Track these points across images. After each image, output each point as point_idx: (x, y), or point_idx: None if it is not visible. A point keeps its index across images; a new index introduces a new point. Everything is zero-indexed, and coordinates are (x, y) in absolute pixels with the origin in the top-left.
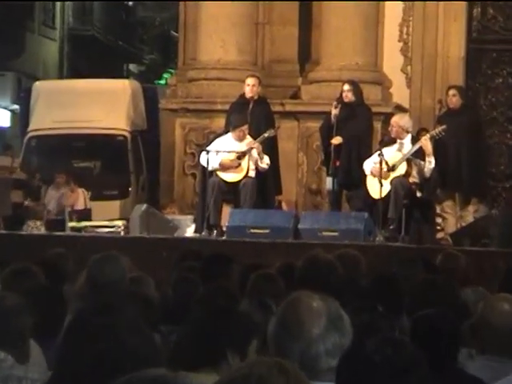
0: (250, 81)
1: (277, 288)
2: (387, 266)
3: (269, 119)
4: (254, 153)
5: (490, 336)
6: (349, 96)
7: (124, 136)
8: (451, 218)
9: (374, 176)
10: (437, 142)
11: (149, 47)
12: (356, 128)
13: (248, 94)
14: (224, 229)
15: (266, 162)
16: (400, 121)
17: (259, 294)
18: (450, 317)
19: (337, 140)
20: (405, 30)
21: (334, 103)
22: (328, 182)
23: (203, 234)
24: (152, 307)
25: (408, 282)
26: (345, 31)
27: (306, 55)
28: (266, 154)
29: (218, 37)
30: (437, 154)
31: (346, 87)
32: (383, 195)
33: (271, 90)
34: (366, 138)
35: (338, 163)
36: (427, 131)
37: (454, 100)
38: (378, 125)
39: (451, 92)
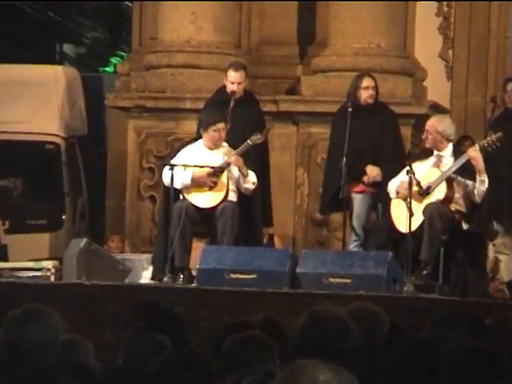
0: (234, 76)
1: (264, 356)
2: (419, 326)
3: (257, 123)
4: (234, 170)
5: None
6: (372, 93)
7: (56, 144)
8: (508, 261)
9: (402, 201)
10: (488, 156)
11: (91, 21)
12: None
13: (230, 90)
14: (194, 273)
15: (251, 181)
16: (439, 125)
17: (240, 365)
18: None
19: (373, 171)
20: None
21: (348, 103)
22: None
23: (165, 279)
24: (91, 380)
25: (446, 351)
26: (361, 2)
27: (309, 34)
28: (252, 169)
29: (186, 9)
30: (488, 171)
31: (369, 82)
32: (414, 228)
33: (260, 82)
34: (395, 154)
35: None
36: (473, 141)
37: None
38: (407, 131)
39: (510, 86)
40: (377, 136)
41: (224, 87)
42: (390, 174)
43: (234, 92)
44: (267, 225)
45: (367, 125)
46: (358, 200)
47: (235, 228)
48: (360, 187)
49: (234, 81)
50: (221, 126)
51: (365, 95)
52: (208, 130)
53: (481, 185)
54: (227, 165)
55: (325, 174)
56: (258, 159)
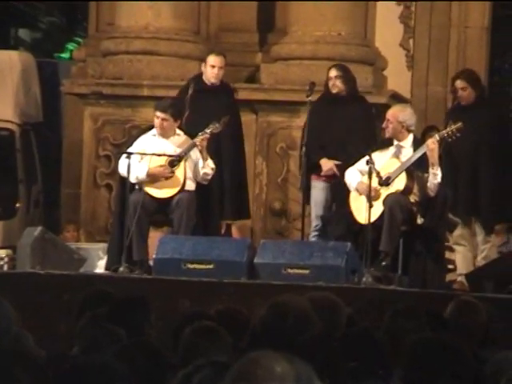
0: (216, 61)
1: (221, 346)
2: (377, 317)
3: (232, 111)
4: (194, 154)
5: None
6: (338, 84)
7: (9, 130)
8: (467, 252)
9: (361, 193)
10: (449, 148)
11: (47, 6)
12: (354, 135)
13: (210, 79)
14: (150, 263)
15: (210, 166)
16: (399, 115)
17: (196, 355)
18: None
19: (327, 165)
20: None
21: (308, 92)
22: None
23: (121, 269)
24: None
25: (405, 341)
26: None
27: (269, 22)
28: (226, 159)
29: None
30: (448, 163)
31: (333, 72)
32: (373, 219)
33: None
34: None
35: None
36: (438, 130)
37: (466, 94)
38: None
39: (459, 84)
40: (344, 128)
41: (199, 75)
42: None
43: (213, 81)
44: (244, 217)
45: (336, 116)
46: (317, 189)
47: (191, 219)
48: (318, 176)
49: (215, 64)
50: (160, 114)
51: (330, 85)
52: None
53: (433, 178)
54: (192, 146)
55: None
56: (233, 148)
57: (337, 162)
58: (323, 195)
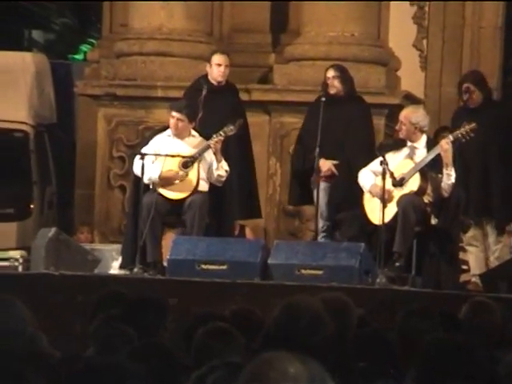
0: (221, 59)
1: (234, 347)
2: (390, 318)
3: (237, 113)
4: (208, 155)
5: None
6: (335, 85)
7: (24, 132)
8: (479, 253)
9: (374, 195)
10: (462, 149)
11: (57, 6)
12: (355, 134)
13: (217, 78)
14: (165, 264)
15: (224, 169)
16: (412, 116)
17: (209, 357)
18: None
19: (325, 165)
20: None
21: (321, 93)
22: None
23: (135, 270)
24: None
25: (418, 342)
26: None
27: (282, 22)
28: (234, 161)
29: None
30: (459, 164)
31: (330, 73)
32: (387, 220)
33: (232, 70)
34: (368, 146)
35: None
36: (450, 131)
37: (474, 97)
38: (380, 121)
39: (466, 87)
40: (342, 129)
41: (206, 76)
42: (353, 167)
43: (219, 79)
44: (256, 216)
45: (334, 116)
46: (321, 190)
47: (204, 221)
48: (318, 176)
49: (220, 62)
50: (175, 114)
51: (328, 85)
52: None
53: (447, 178)
54: (206, 148)
55: (293, 163)
56: (239, 150)
57: (335, 162)
58: (326, 195)
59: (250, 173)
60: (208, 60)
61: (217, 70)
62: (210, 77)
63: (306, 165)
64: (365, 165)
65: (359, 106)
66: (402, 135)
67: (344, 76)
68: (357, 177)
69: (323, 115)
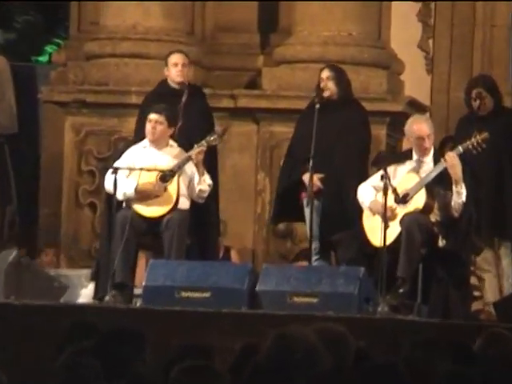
0: (178, 58)
1: None
2: (394, 351)
3: (206, 119)
4: (189, 169)
5: None
6: (329, 86)
7: None
8: (492, 278)
9: (375, 212)
10: (471, 162)
11: (21, 3)
12: (346, 142)
13: (176, 79)
14: (139, 291)
15: (207, 183)
16: (427, 127)
17: None
18: None
19: (315, 179)
20: None
21: (315, 99)
22: (306, 218)
23: (107, 298)
24: None
25: (428, 376)
26: None
27: (272, 20)
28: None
29: None
30: (470, 180)
31: (325, 73)
32: (389, 241)
33: (216, 74)
34: (361, 157)
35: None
36: (456, 142)
37: (485, 104)
38: (381, 131)
39: (477, 93)
40: (331, 137)
41: (165, 80)
42: (343, 181)
43: (179, 79)
44: (220, 235)
45: (325, 123)
46: (306, 207)
47: (184, 242)
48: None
49: (177, 61)
50: (153, 117)
51: (321, 87)
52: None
53: (457, 197)
54: (187, 160)
55: (280, 177)
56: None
57: (319, 175)
58: (315, 213)
59: (216, 186)
60: (193, 63)
61: (174, 70)
62: (169, 80)
63: (293, 179)
64: (357, 179)
65: (354, 111)
66: (416, 150)
67: (340, 77)
68: (348, 192)
69: (311, 123)
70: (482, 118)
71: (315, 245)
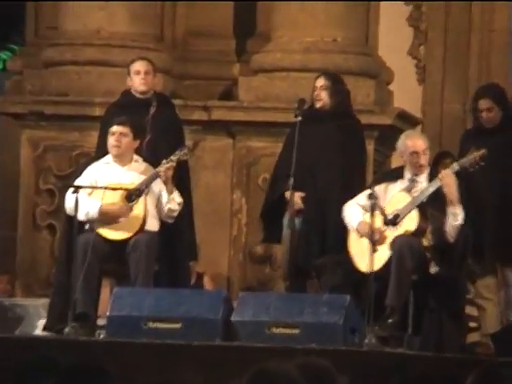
0: (140, 65)
1: None
2: None
3: (175, 132)
4: (156, 186)
5: None
6: (322, 97)
7: None
8: (493, 307)
9: (362, 235)
10: (468, 181)
11: None
12: (340, 159)
13: (139, 88)
14: (103, 322)
15: (177, 201)
16: (423, 141)
17: None
18: None
19: (296, 197)
20: None
21: (296, 111)
22: (285, 240)
23: (67, 330)
24: None
25: None
26: None
27: (248, 25)
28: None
29: None
30: (467, 197)
31: (319, 82)
32: (377, 267)
33: (187, 83)
34: (355, 176)
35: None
36: (453, 158)
37: (492, 116)
38: (368, 146)
39: (484, 104)
40: (315, 151)
41: (129, 90)
42: (326, 200)
43: (142, 88)
44: (193, 259)
45: (311, 136)
46: (286, 227)
47: (151, 268)
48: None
49: (139, 69)
50: (117, 129)
51: (315, 95)
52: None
53: (453, 219)
54: (154, 177)
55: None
56: (176, 178)
57: (301, 194)
58: (296, 234)
59: (189, 206)
60: (162, 71)
61: (137, 78)
62: (132, 90)
63: (274, 197)
64: (342, 200)
65: (346, 124)
66: (413, 168)
67: (336, 87)
68: (330, 212)
69: (299, 137)
70: (488, 131)
71: (286, 268)
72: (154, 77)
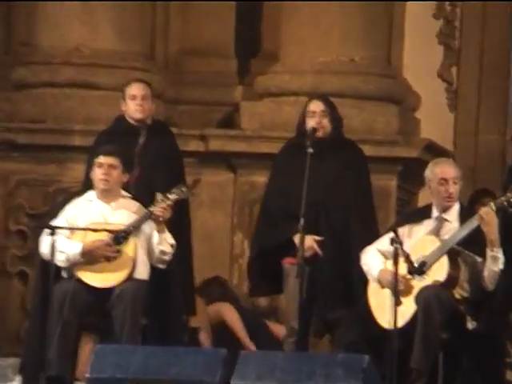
0: (137, 89)
1: None
2: None
3: (172, 166)
4: (149, 225)
5: None
6: (324, 124)
7: None
8: None
9: (384, 285)
10: (508, 222)
11: None
12: (353, 197)
13: (134, 115)
14: None
15: (169, 242)
16: (453, 169)
17: None
18: None
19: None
20: None
21: (307, 142)
22: (291, 291)
23: None
24: None
25: None
26: None
27: (252, 43)
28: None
29: (77, 4)
30: (508, 244)
31: (319, 106)
32: (401, 323)
33: (182, 108)
34: (371, 214)
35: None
36: (493, 196)
37: None
38: (391, 182)
39: None
40: (324, 189)
41: (123, 116)
42: (349, 242)
43: (139, 116)
44: (189, 313)
45: (315, 171)
46: (292, 277)
47: (139, 321)
48: (293, 258)
49: (137, 93)
50: (105, 160)
51: (310, 124)
52: (93, 168)
53: (493, 263)
54: (146, 217)
55: (254, 237)
56: (175, 219)
57: (317, 238)
58: (297, 283)
59: (188, 252)
60: (153, 94)
61: (133, 104)
62: (127, 116)
63: (273, 241)
64: (361, 241)
65: (351, 154)
66: (450, 201)
67: (334, 112)
68: (346, 259)
69: (297, 170)
70: None
71: (295, 323)
72: (152, 102)
